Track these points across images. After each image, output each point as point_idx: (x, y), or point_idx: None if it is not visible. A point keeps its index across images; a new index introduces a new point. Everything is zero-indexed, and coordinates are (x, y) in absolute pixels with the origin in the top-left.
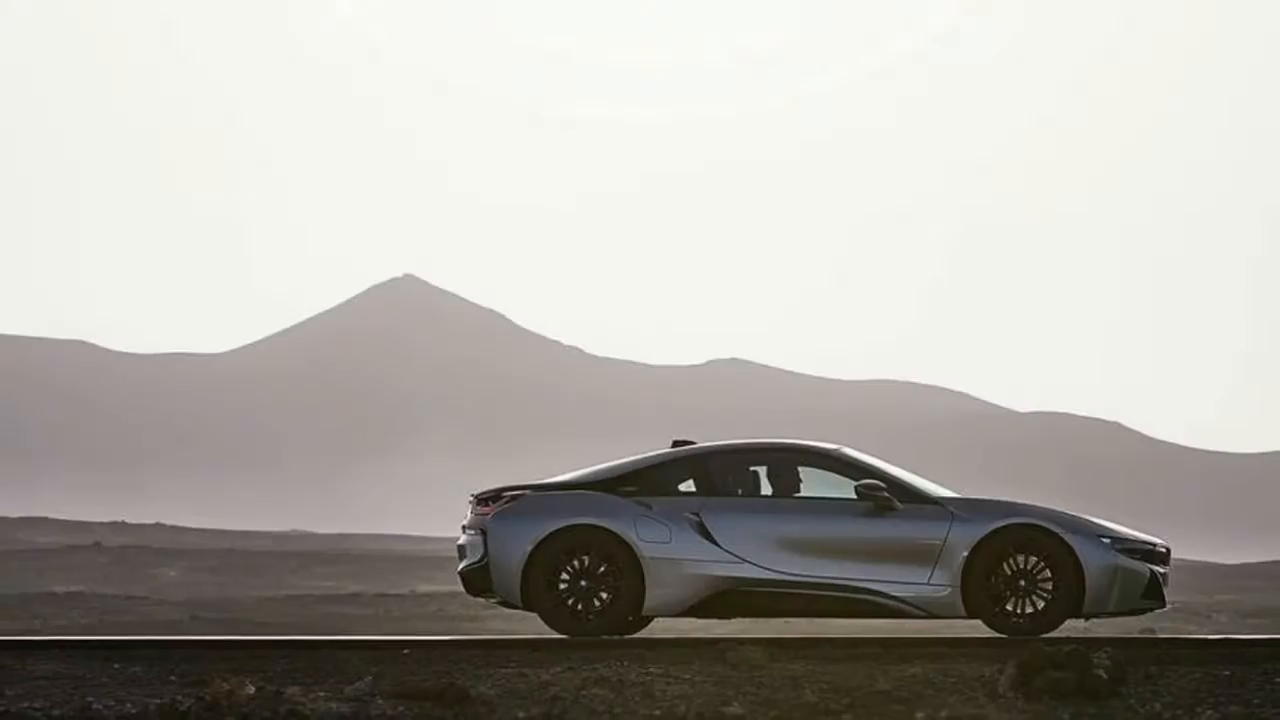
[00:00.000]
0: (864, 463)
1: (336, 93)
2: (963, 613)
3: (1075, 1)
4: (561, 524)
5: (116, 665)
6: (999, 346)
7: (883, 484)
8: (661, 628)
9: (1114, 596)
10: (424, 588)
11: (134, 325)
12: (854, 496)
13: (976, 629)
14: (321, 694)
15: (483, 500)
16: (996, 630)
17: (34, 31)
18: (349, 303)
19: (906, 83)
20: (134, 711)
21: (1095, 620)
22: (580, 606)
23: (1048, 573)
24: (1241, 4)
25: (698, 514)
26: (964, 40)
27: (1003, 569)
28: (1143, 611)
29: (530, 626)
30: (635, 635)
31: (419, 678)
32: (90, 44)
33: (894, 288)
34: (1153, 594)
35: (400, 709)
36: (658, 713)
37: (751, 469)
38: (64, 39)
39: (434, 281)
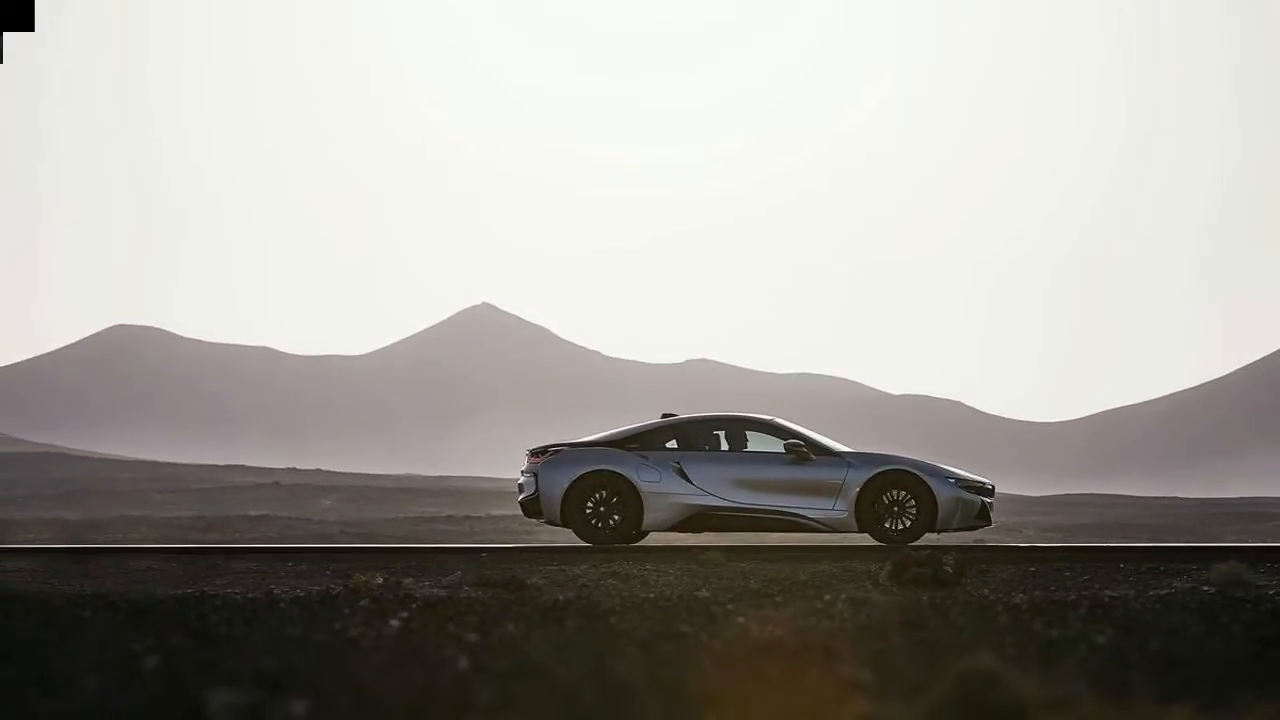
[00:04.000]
0: (790, 428)
1: (437, 176)
2: (856, 529)
3: (926, 114)
4: (588, 469)
5: (290, 564)
6: (880, 348)
7: (802, 442)
8: (654, 540)
9: (956, 518)
10: (496, 512)
11: (301, 334)
12: (783, 451)
13: (865, 540)
14: (427, 583)
15: (535, 453)
16: (879, 541)
17: (232, 115)
18: (445, 321)
19: (815, 175)
20: (301, 595)
21: (944, 534)
22: (600, 525)
23: (912, 502)
24: (1052, 75)
25: (679, 463)
26: (851, 144)
27: (883, 499)
28: (976, 528)
29: (566, 538)
30: (637, 545)
31: (493, 572)
32: (290, 148)
33: (810, 309)
34: (983, 516)
35: (480, 593)
36: (652, 595)
37: (715, 432)
38: (257, 131)
39: (502, 306)
